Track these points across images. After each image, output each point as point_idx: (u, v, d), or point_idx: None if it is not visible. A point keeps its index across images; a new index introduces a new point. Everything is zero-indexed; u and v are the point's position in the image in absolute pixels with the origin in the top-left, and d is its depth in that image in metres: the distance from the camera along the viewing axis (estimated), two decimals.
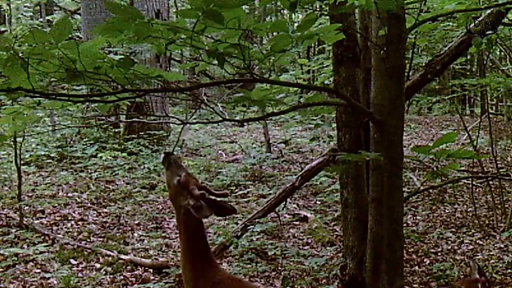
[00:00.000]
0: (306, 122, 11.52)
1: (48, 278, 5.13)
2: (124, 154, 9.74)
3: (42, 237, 6.15)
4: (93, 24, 10.98)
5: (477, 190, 8.30)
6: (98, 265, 5.54)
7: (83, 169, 9.13)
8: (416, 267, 5.49)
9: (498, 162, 7.64)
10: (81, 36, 12.28)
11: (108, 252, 5.76)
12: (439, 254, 5.88)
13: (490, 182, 7.57)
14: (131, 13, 2.24)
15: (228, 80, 2.70)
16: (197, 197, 2.48)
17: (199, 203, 2.47)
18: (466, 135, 9.13)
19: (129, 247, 6.08)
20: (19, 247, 5.84)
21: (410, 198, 7.17)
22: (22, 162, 7.20)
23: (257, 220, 6.08)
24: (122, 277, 5.27)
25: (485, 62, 11.73)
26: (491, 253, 5.83)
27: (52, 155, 9.67)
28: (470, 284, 3.45)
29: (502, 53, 15.77)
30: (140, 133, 10.47)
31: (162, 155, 2.67)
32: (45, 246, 5.86)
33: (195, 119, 12.12)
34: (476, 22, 4.23)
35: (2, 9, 16.73)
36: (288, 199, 6.94)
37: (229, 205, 2.65)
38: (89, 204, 7.50)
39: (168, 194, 2.69)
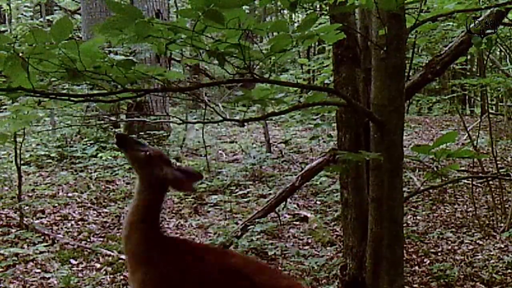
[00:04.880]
0: (306, 122, 11.52)
1: (48, 278, 5.13)
2: None
3: (42, 237, 6.15)
4: (93, 24, 10.98)
5: (477, 190, 8.30)
6: (98, 265, 5.54)
7: (83, 169, 9.13)
8: (416, 267, 5.49)
9: (498, 162, 7.63)
10: (81, 36, 12.29)
11: (108, 252, 5.76)
12: (439, 254, 5.88)
13: (490, 182, 7.56)
14: (131, 12, 2.24)
15: (228, 80, 2.70)
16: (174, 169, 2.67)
17: (180, 174, 2.65)
18: (466, 135, 9.13)
19: None
20: (19, 247, 5.84)
21: (410, 198, 7.16)
22: (22, 162, 7.19)
23: (257, 220, 6.08)
24: (122, 277, 5.26)
25: (485, 62, 11.74)
26: (491, 253, 5.83)
27: (52, 155, 9.67)
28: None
29: (502, 53, 15.77)
30: (140, 133, 10.45)
31: (115, 139, 2.76)
32: (45, 246, 5.86)
33: (195, 119, 12.13)
34: (476, 22, 4.22)
35: (2, 9, 16.72)
36: (288, 199, 6.93)
37: (192, 170, 2.78)
38: (89, 204, 7.50)
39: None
